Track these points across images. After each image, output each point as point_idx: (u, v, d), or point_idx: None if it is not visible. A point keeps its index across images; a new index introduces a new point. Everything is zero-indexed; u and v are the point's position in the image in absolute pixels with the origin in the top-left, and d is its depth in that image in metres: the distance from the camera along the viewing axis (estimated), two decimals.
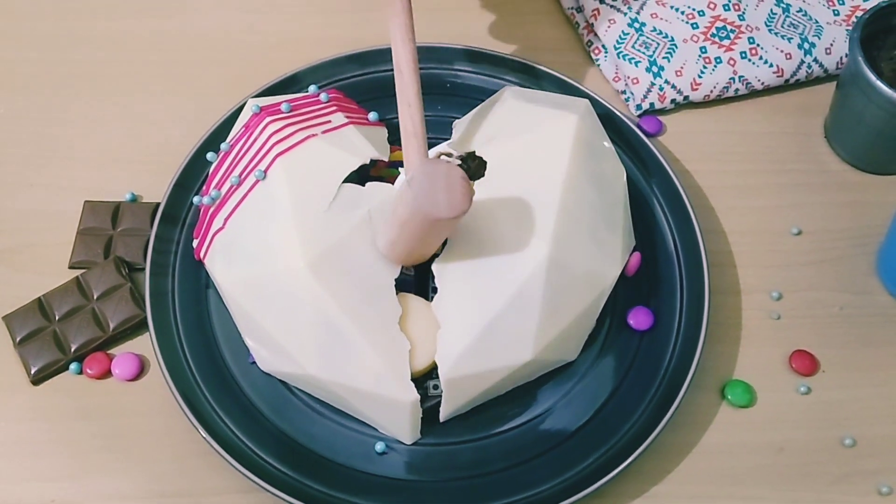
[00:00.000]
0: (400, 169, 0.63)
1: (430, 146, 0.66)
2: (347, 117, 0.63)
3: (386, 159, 0.62)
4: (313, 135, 0.60)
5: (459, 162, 0.62)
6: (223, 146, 0.63)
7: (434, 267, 0.57)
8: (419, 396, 0.55)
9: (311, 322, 0.55)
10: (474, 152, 0.61)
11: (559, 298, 0.57)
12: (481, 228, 0.57)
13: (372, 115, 0.65)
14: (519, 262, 0.56)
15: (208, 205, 0.61)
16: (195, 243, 0.62)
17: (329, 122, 0.62)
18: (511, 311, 0.56)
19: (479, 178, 0.60)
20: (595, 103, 0.68)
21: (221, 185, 0.62)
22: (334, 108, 0.64)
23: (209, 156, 0.64)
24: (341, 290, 0.55)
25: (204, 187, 0.64)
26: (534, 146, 0.60)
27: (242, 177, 0.60)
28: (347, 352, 0.55)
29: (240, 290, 0.58)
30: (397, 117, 0.68)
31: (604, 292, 0.59)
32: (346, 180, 0.59)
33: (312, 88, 0.67)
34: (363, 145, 0.61)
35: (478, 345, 0.55)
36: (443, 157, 0.62)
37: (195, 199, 0.63)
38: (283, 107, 0.62)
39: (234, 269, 0.58)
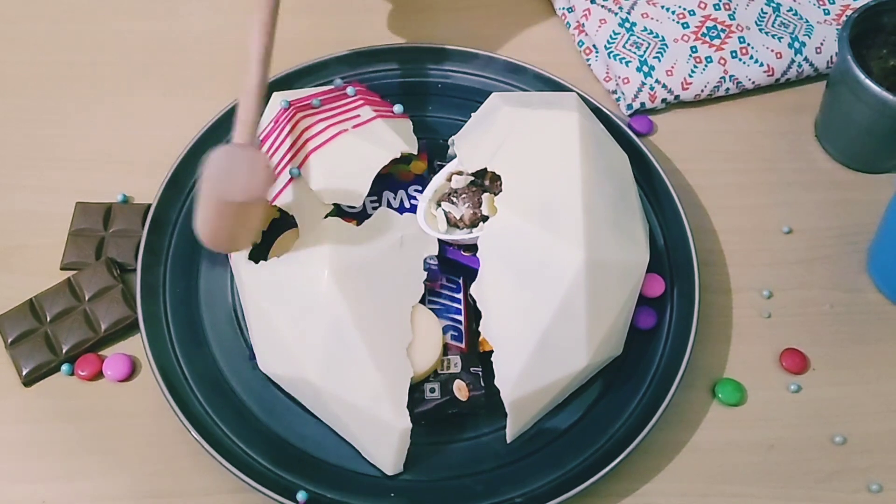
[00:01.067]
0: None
1: (424, 148, 0.66)
2: (375, 111, 0.64)
3: (415, 151, 0.63)
4: (344, 130, 0.61)
5: (472, 179, 0.62)
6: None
7: (473, 290, 0.57)
8: (411, 426, 0.55)
9: (323, 328, 0.55)
10: (486, 169, 0.61)
11: (602, 298, 0.57)
12: (512, 244, 0.57)
13: (397, 108, 0.66)
14: (557, 270, 0.56)
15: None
16: None
17: (358, 116, 0.63)
18: (559, 321, 0.56)
19: (498, 194, 0.60)
20: (586, 103, 0.69)
21: None
22: (361, 101, 0.64)
23: None
24: (359, 305, 0.56)
25: None
26: (543, 151, 0.60)
27: (276, 172, 0.60)
28: (351, 364, 0.55)
29: (261, 285, 0.58)
30: (421, 115, 0.67)
31: (639, 280, 0.60)
32: None
33: (338, 82, 0.67)
34: (392, 139, 0.62)
35: (534, 362, 0.55)
36: (454, 176, 0.62)
37: None
38: (314, 102, 0.63)
39: (259, 264, 0.59)
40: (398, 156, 0.61)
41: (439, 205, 0.62)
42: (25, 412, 0.59)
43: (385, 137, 0.62)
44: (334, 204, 0.59)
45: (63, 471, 0.57)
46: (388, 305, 0.57)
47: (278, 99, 0.64)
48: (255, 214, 0.56)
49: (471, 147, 0.63)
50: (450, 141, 0.66)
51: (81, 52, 0.76)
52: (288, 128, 0.62)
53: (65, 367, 0.60)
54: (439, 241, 0.61)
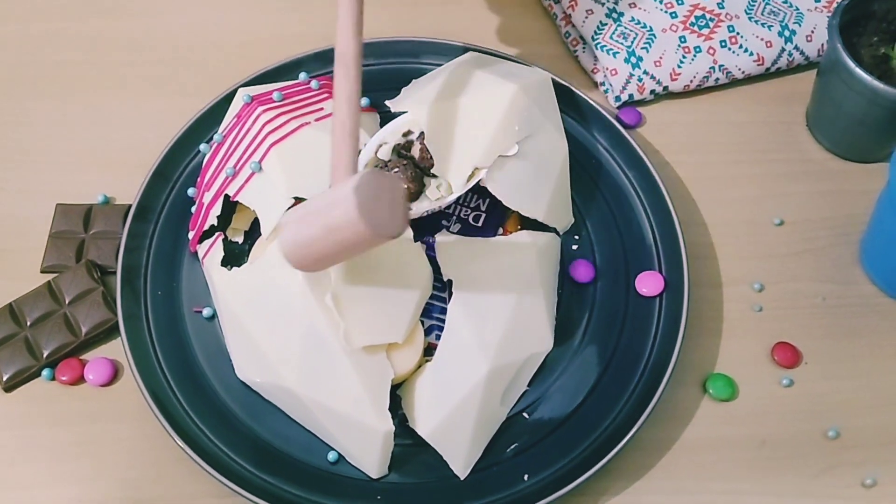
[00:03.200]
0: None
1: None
2: None
3: None
4: (306, 123, 0.60)
5: (400, 152, 0.62)
6: (216, 137, 0.63)
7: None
8: (394, 427, 0.54)
9: (299, 334, 0.55)
10: (412, 141, 0.61)
11: (484, 305, 0.56)
12: None
13: (363, 101, 0.65)
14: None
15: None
16: (190, 235, 0.62)
17: (321, 109, 0.62)
18: (445, 342, 0.56)
19: (430, 169, 0.60)
20: (573, 96, 0.68)
21: (217, 176, 0.61)
22: (325, 94, 0.64)
23: (202, 147, 0.64)
24: None
25: (199, 178, 0.64)
26: (465, 112, 0.60)
27: (238, 167, 0.60)
28: (330, 369, 0.54)
29: (234, 292, 0.57)
30: (388, 108, 0.66)
31: (529, 274, 0.58)
32: None
33: (303, 76, 0.66)
34: None
35: (433, 388, 0.55)
36: (381, 148, 0.61)
37: (190, 191, 0.63)
38: (275, 96, 0.62)
39: (232, 271, 0.58)
40: (360, 148, 0.60)
41: None
42: (6, 418, 0.58)
43: None
44: (295, 197, 0.58)
45: (45, 477, 0.56)
46: None
47: (242, 94, 0.64)
48: (375, 246, 0.51)
49: (410, 88, 0.64)
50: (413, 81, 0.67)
51: (60, 51, 0.75)
52: (249, 122, 0.61)
53: (46, 372, 0.59)
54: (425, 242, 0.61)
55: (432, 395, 0.55)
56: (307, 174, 0.59)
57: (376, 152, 0.62)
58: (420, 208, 0.59)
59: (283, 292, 0.55)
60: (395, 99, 0.64)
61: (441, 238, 0.60)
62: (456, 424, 0.55)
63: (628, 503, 0.56)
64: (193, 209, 0.63)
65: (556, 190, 0.63)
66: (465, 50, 0.70)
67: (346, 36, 0.52)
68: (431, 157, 0.60)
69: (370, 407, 0.54)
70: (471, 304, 0.56)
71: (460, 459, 0.55)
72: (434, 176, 0.61)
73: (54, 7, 0.77)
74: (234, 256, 0.61)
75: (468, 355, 0.55)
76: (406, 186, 0.60)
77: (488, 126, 0.60)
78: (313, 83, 0.65)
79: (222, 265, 0.59)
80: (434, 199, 0.60)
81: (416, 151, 0.61)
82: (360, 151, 0.56)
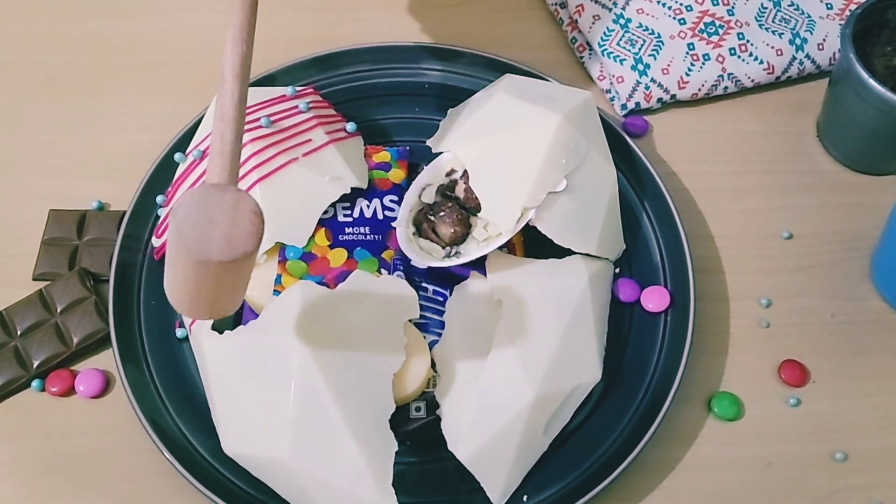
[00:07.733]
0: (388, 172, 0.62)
1: (404, 155, 0.64)
2: (327, 133, 0.61)
3: (365, 181, 0.61)
4: (294, 159, 0.58)
5: (445, 193, 0.60)
6: (195, 154, 0.61)
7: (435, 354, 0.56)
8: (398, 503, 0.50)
9: (295, 400, 0.50)
10: (456, 181, 0.60)
11: (530, 329, 0.55)
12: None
13: (350, 126, 0.64)
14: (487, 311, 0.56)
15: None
16: (156, 242, 0.60)
17: (309, 140, 0.60)
18: (492, 364, 0.54)
19: (477, 212, 0.58)
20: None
21: None
22: (314, 122, 0.61)
23: (177, 156, 0.62)
24: (336, 374, 0.51)
25: (171, 188, 0.62)
26: (509, 149, 0.58)
27: None
28: (328, 439, 0.50)
29: (226, 354, 0.53)
30: (376, 120, 0.65)
31: (583, 298, 0.57)
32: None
33: (290, 91, 0.64)
34: (344, 170, 0.60)
35: (479, 411, 0.53)
36: (424, 190, 0.60)
37: (159, 199, 0.62)
38: (263, 122, 0.60)
39: (224, 333, 0.53)
40: (347, 191, 0.59)
41: (418, 226, 0.59)
42: None
43: (336, 168, 0.59)
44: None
45: (32, 491, 0.55)
46: (366, 374, 0.52)
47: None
48: (243, 273, 0.43)
49: (452, 124, 0.62)
50: (449, 111, 0.65)
51: (55, 52, 0.73)
52: None
53: (35, 383, 0.58)
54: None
55: (474, 418, 0.53)
56: (292, 216, 0.57)
57: (420, 196, 0.60)
58: (468, 251, 0.57)
59: (281, 356, 0.51)
60: (434, 137, 0.62)
61: (493, 254, 0.57)
62: (497, 451, 0.53)
63: None
64: (160, 212, 0.61)
65: (607, 220, 0.60)
66: (476, 57, 0.68)
67: (228, 44, 0.47)
68: (477, 197, 0.58)
69: (371, 481, 0.50)
70: (519, 326, 0.54)
71: (498, 487, 0.53)
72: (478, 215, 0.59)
73: (51, 7, 0.76)
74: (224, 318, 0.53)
75: (514, 380, 0.53)
76: (452, 230, 0.58)
77: (534, 162, 0.57)
78: (302, 104, 0.62)
79: (212, 328, 0.54)
80: (481, 239, 0.58)
81: (460, 191, 0.59)
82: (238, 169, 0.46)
